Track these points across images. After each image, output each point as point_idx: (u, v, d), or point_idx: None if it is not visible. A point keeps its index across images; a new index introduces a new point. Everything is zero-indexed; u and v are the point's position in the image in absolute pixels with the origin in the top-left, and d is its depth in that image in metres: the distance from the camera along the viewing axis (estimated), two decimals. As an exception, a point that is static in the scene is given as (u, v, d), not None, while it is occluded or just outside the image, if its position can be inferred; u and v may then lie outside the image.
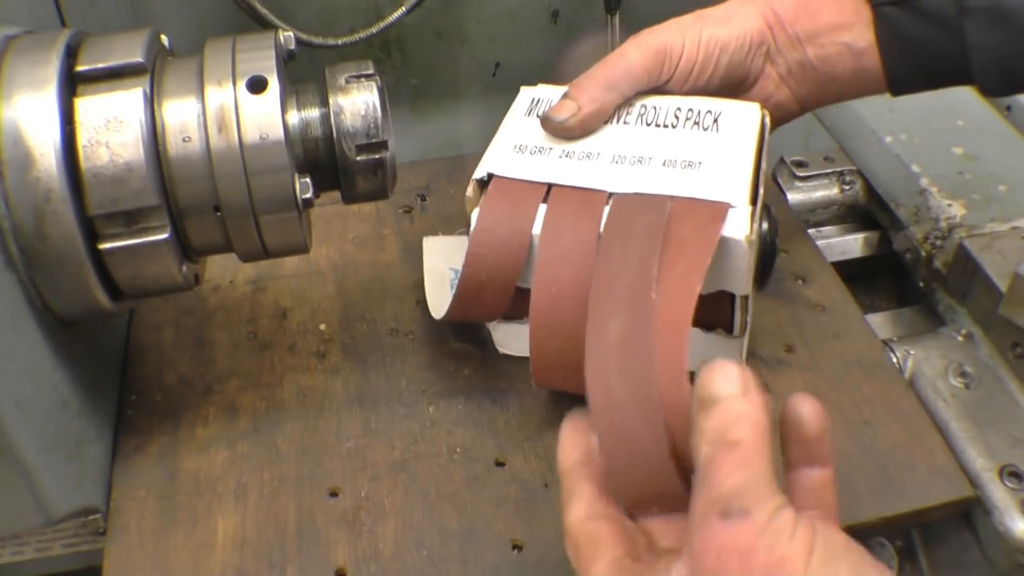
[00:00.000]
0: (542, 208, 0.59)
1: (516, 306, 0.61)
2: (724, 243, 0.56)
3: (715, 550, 0.38)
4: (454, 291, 0.61)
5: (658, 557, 0.42)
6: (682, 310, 0.51)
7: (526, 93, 0.69)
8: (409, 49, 1.00)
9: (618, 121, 0.64)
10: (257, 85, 0.52)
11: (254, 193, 0.52)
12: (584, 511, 0.44)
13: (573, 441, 0.46)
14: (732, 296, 0.60)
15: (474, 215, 0.60)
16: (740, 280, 0.58)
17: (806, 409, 0.44)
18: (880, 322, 0.77)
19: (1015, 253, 0.71)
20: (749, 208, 0.57)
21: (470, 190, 0.62)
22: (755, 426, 0.40)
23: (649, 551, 0.44)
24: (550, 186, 0.60)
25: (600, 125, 0.64)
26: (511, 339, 0.67)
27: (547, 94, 0.68)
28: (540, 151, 0.63)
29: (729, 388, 0.41)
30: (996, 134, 0.85)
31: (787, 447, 0.45)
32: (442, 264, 0.72)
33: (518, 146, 0.63)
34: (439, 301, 0.68)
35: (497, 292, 0.60)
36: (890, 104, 0.88)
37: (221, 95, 0.52)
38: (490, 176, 0.62)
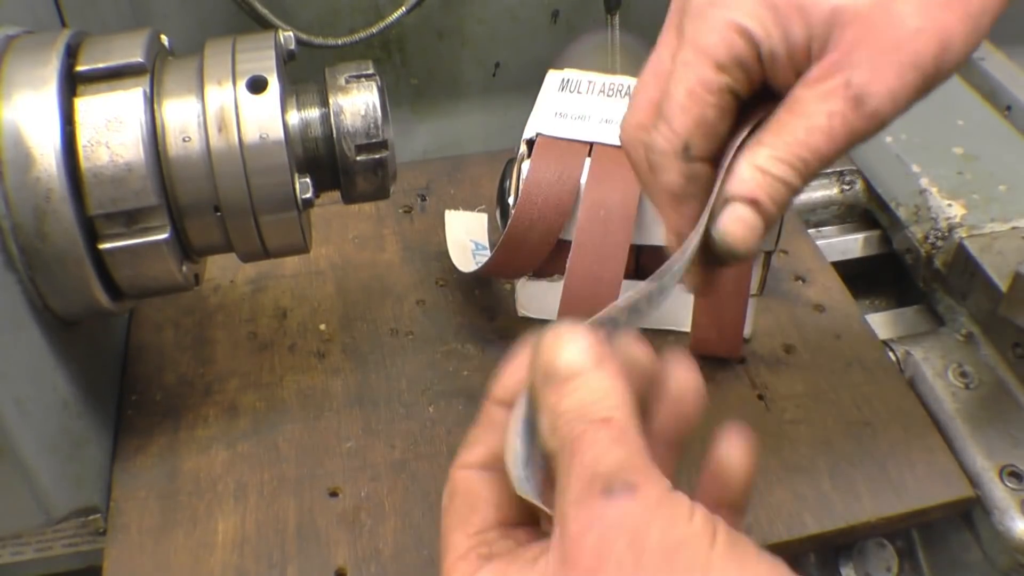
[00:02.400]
0: (587, 162, 0.64)
1: (548, 262, 0.65)
2: None
3: (598, 530, 0.32)
4: (501, 237, 0.64)
5: (530, 543, 0.37)
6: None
7: (555, 75, 0.72)
8: (409, 49, 1.00)
9: None
10: (257, 85, 0.52)
11: (254, 193, 0.52)
12: (481, 457, 0.38)
13: (517, 372, 0.39)
14: None
15: (525, 166, 0.64)
16: (769, 236, 0.62)
17: (736, 453, 0.38)
18: (880, 322, 0.77)
19: (1015, 253, 0.71)
20: None
21: (522, 148, 0.66)
22: (623, 402, 0.35)
23: (526, 530, 0.38)
24: (592, 145, 0.65)
25: None
26: (536, 299, 0.69)
27: (576, 76, 0.71)
28: (581, 118, 0.67)
29: (582, 360, 0.35)
30: (996, 134, 0.85)
31: (704, 482, 0.39)
32: (463, 236, 0.76)
33: (559, 113, 0.68)
34: (465, 265, 0.71)
35: (542, 239, 0.64)
36: (890, 104, 0.88)
37: (221, 95, 0.52)
38: (538, 135, 0.66)
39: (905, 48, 0.38)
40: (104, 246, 0.51)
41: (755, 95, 0.42)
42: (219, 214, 0.53)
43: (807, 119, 0.39)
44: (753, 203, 0.39)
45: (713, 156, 0.42)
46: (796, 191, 0.40)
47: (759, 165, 0.39)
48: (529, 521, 0.38)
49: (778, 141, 0.39)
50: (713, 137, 0.41)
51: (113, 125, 0.50)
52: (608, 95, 0.68)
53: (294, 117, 0.55)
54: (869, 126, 0.39)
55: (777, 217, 0.41)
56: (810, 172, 0.39)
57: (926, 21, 0.38)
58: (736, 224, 0.40)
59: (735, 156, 0.40)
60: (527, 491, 0.35)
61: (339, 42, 0.92)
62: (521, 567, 0.34)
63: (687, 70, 0.41)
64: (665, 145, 0.42)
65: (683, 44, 0.41)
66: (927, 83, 0.39)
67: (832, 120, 0.38)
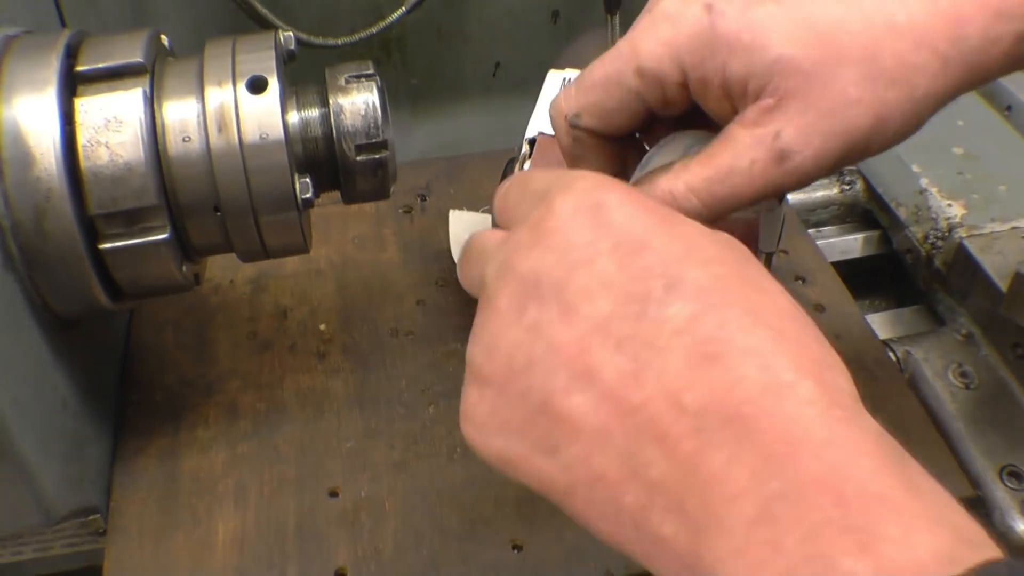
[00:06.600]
0: None
1: None
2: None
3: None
4: None
5: None
6: None
7: (555, 75, 0.71)
8: (409, 49, 1.00)
9: None
10: (257, 85, 0.52)
11: (254, 193, 0.52)
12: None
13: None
14: None
15: (526, 166, 0.64)
16: (770, 237, 0.62)
17: None
18: (880, 322, 0.77)
19: (1015, 253, 0.71)
20: None
21: (525, 148, 0.65)
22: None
23: None
24: None
25: None
26: None
27: (577, 75, 0.71)
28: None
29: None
30: (996, 134, 0.85)
31: None
32: (466, 236, 0.74)
33: None
34: None
35: None
36: (890, 104, 0.88)
37: (221, 95, 0.52)
38: (539, 135, 0.65)
39: (839, 115, 0.39)
40: (104, 246, 0.51)
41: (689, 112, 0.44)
42: (219, 214, 0.53)
43: (733, 159, 0.41)
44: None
45: (603, 133, 0.45)
46: (701, 218, 0.41)
47: (672, 188, 0.42)
48: None
49: (700, 171, 0.41)
50: (604, 120, 0.45)
51: (113, 125, 0.50)
52: None
53: (294, 117, 0.55)
54: (789, 181, 0.41)
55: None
56: (722, 206, 0.42)
57: (866, 93, 0.39)
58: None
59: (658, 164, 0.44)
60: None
61: (339, 42, 0.92)
62: None
63: (615, 58, 0.43)
64: (561, 107, 0.45)
65: (628, 34, 0.43)
66: (856, 152, 0.40)
67: (754, 167, 0.40)
